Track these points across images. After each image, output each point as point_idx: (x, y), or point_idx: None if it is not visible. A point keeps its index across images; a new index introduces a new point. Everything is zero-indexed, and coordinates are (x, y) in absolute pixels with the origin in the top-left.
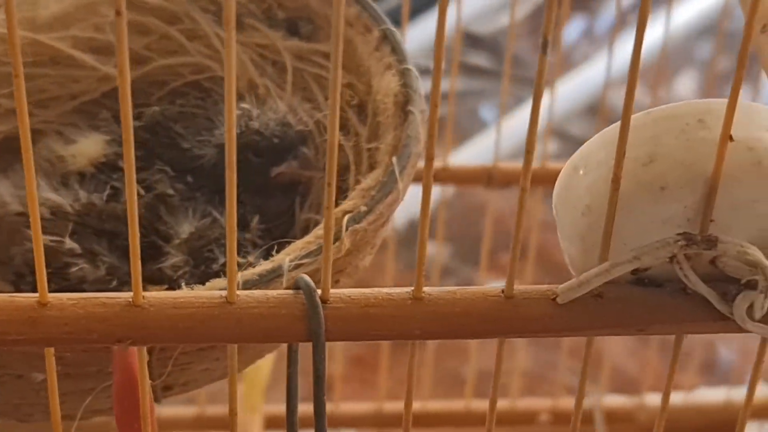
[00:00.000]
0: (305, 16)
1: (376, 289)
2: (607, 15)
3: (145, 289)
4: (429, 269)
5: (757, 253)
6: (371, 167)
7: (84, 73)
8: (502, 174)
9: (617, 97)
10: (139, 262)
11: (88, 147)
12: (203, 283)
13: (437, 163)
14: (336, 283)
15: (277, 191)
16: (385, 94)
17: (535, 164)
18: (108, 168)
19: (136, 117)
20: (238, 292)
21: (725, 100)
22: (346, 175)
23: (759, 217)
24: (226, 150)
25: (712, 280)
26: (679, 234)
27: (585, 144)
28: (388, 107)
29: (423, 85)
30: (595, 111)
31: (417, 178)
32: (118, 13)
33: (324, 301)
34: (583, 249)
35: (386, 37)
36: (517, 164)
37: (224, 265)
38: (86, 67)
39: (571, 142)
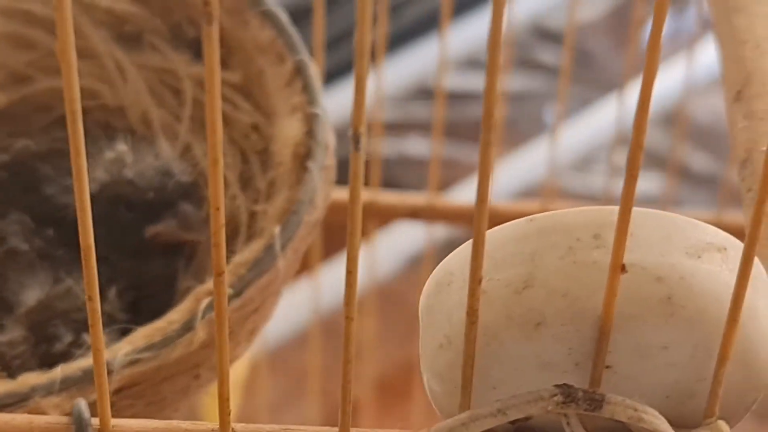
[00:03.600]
0: None
1: (174, 422)
2: (692, 14)
3: None
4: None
5: (654, 419)
6: (261, 233)
7: None
8: (498, 216)
9: (697, 107)
10: None
11: None
12: (43, 367)
13: (422, 200)
14: (196, 379)
15: (156, 253)
16: (284, 143)
17: (535, 205)
18: None
19: (3, 150)
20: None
21: (636, 210)
22: (237, 238)
23: (673, 365)
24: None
25: None
26: (557, 386)
27: (453, 252)
28: (286, 160)
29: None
30: (672, 120)
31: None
32: None
33: None
34: (445, 389)
35: (299, 71)
36: (517, 205)
37: (71, 345)
38: None
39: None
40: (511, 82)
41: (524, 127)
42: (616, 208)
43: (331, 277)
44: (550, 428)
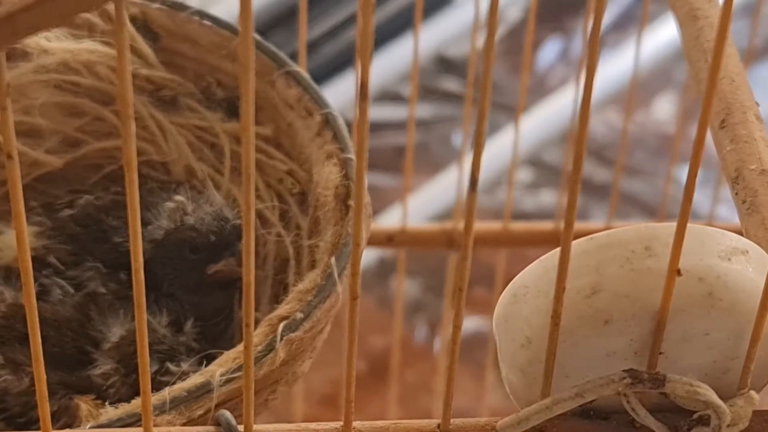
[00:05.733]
0: None
1: (303, 424)
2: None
3: (71, 399)
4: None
5: (707, 392)
6: (312, 264)
7: None
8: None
9: (594, 122)
10: (47, 403)
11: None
12: (134, 395)
13: (395, 224)
14: (272, 393)
15: (215, 288)
16: (325, 186)
17: (497, 225)
18: (36, 263)
19: (68, 205)
20: (155, 430)
21: (673, 225)
22: (286, 271)
23: (712, 348)
24: None
25: (662, 411)
26: (624, 371)
27: (525, 269)
28: (329, 200)
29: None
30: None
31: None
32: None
33: None
34: (524, 381)
35: (328, 122)
36: (482, 225)
37: (157, 372)
38: None
39: (546, 171)
40: (420, 110)
41: (438, 151)
42: (660, 225)
43: None
44: (609, 407)
